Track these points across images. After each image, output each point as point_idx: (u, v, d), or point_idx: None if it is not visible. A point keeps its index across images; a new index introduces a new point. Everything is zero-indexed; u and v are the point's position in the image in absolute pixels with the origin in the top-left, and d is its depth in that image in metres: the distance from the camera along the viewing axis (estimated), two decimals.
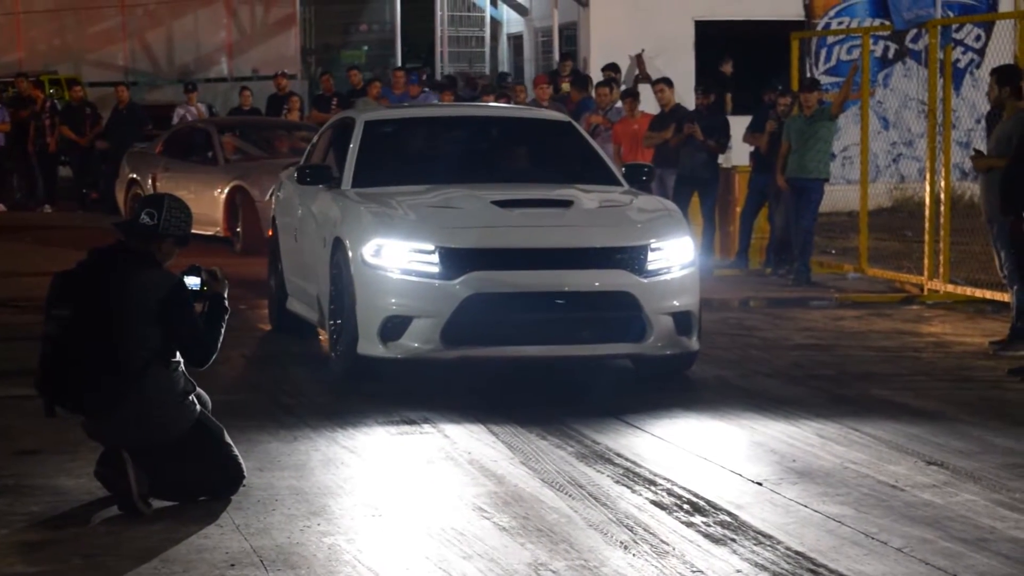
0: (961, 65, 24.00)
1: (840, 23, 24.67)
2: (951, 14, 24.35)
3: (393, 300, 10.13)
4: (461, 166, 11.75)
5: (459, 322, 10.01)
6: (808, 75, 21.00)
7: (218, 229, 19.17)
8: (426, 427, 9.27)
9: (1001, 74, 12.16)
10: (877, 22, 24.21)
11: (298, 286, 12.11)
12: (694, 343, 10.52)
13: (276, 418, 9.51)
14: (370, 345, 10.21)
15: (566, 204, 10.74)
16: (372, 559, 6.65)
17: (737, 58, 23.35)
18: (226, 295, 7.67)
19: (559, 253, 10.26)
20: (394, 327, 10.11)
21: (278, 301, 12.61)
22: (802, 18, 24.52)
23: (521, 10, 27.74)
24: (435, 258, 10.10)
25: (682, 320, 10.38)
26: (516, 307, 10.08)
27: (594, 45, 24.10)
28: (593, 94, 19.38)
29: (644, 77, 22.30)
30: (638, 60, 23.19)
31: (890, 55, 24.77)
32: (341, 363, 10.63)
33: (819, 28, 24.40)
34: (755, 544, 6.86)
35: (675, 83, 18.22)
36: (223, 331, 7.62)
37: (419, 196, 10.91)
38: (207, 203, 18.98)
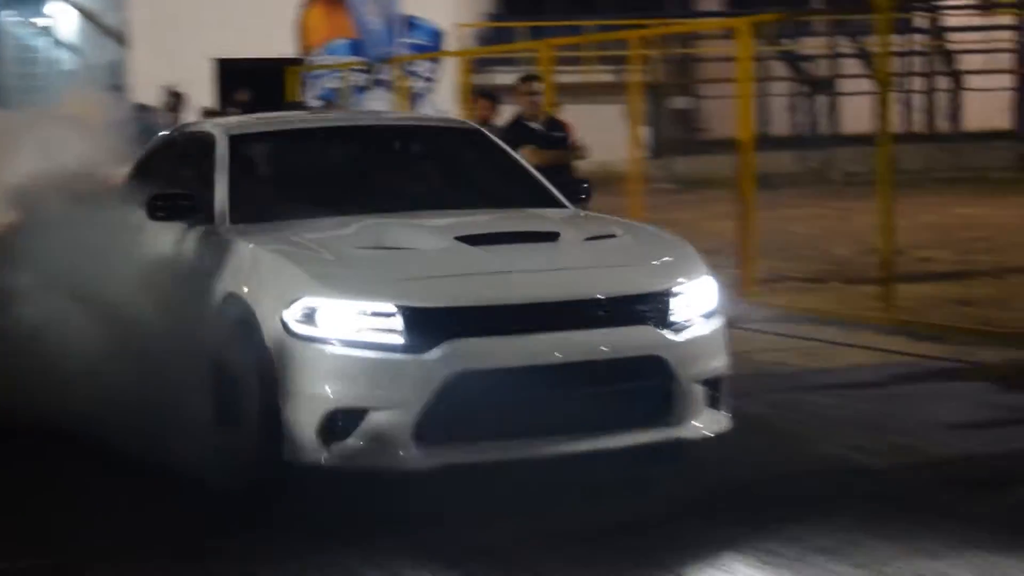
0: (416, 90, 27.68)
1: (324, 60, 28.91)
2: (409, 52, 28.75)
3: (337, 385, 7.01)
4: (364, 190, 8.83)
5: (440, 413, 6.97)
6: (299, 99, 24.24)
7: None
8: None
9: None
10: (355, 59, 28.22)
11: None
12: (725, 420, 7.69)
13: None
14: (302, 450, 7.07)
15: (551, 237, 7.83)
16: None
17: (251, 87, 28.90)
18: None
19: (568, 307, 7.27)
20: (341, 424, 7.02)
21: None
22: (298, 56, 28.87)
23: (77, 51, 29.84)
24: (397, 322, 7.03)
25: (714, 388, 7.61)
26: (523, 387, 7.07)
27: (137, 79, 27.57)
28: None
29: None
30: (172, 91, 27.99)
31: (363, 83, 27.88)
32: (241, 478, 7.39)
33: (311, 63, 28.57)
34: None
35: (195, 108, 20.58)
36: None
37: (340, 232, 7.85)
38: None
